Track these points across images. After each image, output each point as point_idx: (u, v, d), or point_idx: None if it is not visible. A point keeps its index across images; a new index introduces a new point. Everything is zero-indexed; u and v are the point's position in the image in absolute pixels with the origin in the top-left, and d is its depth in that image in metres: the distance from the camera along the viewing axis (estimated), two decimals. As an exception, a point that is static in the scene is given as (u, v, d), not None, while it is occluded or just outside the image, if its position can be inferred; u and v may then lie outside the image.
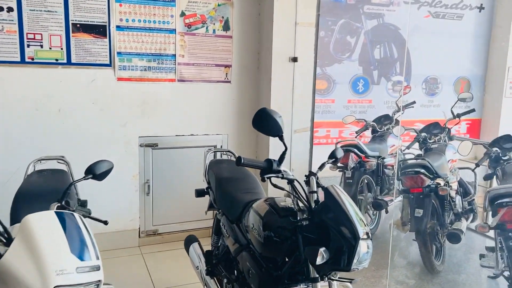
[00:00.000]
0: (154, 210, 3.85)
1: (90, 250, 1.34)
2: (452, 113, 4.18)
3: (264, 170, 1.71)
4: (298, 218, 1.76)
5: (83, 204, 2.46)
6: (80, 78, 3.46)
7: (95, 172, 1.75)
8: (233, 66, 3.93)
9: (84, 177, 1.74)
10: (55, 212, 1.38)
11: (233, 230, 2.30)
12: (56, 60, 3.37)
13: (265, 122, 1.73)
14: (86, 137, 3.51)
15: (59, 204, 1.59)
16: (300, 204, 1.79)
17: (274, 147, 3.92)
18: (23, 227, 1.30)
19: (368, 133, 4.94)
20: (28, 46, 3.27)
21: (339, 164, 4.17)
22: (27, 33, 3.25)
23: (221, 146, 3.98)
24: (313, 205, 1.79)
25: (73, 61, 3.41)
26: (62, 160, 2.55)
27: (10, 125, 3.30)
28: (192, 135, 3.86)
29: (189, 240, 2.86)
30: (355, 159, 4.04)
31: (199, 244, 2.82)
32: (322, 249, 1.56)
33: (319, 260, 1.56)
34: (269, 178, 1.72)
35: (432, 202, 3.43)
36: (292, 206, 1.87)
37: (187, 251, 2.83)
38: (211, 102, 3.90)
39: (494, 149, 3.34)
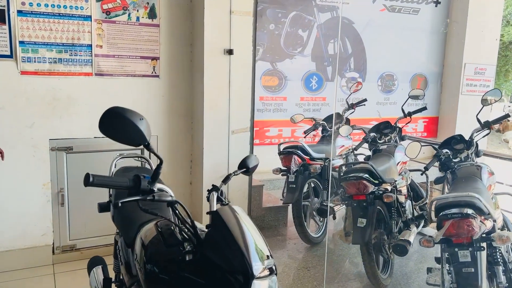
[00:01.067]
0: (71, 222, 3.38)
1: None
2: (403, 111, 3.90)
3: (131, 191, 1.30)
4: (184, 250, 1.36)
5: None
6: (-27, 71, 2.95)
7: None
8: (162, 59, 3.49)
9: None
10: None
11: (127, 256, 1.89)
12: None
13: (120, 127, 1.30)
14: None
15: None
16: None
17: (210, 148, 3.52)
18: None
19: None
20: None
21: (282, 168, 3.83)
22: None
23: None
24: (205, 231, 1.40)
25: (-37, 51, 2.90)
26: None
27: None
28: (114, 136, 3.40)
29: (93, 263, 2.42)
30: (299, 162, 3.69)
31: (104, 268, 2.38)
32: (197, 297, 1.17)
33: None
34: (136, 201, 1.30)
35: (379, 210, 3.11)
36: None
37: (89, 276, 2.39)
38: (136, 99, 3.46)
39: (444, 150, 3.04)
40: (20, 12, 3.00)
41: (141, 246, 1.53)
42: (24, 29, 3.03)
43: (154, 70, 3.47)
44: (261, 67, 5.51)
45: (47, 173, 3.24)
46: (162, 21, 3.44)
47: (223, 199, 1.62)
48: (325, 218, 3.92)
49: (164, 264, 1.43)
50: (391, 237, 3.19)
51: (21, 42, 3.03)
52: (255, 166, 1.84)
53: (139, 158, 2.54)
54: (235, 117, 3.57)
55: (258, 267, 1.25)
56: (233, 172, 1.73)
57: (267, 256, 1.31)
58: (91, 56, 3.24)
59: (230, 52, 3.44)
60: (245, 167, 1.78)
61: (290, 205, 3.86)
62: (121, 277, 2.21)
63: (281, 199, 3.95)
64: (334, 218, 3.89)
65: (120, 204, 1.22)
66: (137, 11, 3.34)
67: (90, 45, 3.23)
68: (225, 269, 1.24)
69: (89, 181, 1.21)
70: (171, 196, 1.35)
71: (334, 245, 3.75)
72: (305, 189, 3.89)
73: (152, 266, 1.46)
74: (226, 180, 1.68)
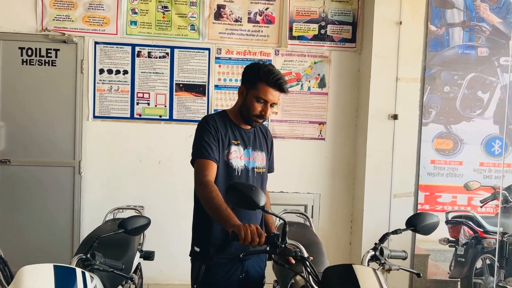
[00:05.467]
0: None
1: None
2: None
3: (273, 249, 1.51)
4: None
5: (147, 255, 2.53)
6: (179, 133, 3.70)
7: (127, 227, 1.80)
8: (328, 123, 3.78)
9: (114, 232, 1.79)
10: (55, 265, 1.42)
11: None
12: (160, 116, 3.69)
13: (238, 196, 1.52)
14: (180, 189, 3.69)
15: (83, 256, 1.65)
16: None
17: (371, 210, 3.56)
18: (17, 277, 1.36)
19: None
20: (137, 103, 3.67)
21: (449, 238, 3.58)
22: (137, 92, 3.66)
23: (312, 206, 3.78)
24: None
25: (174, 117, 3.70)
26: (138, 210, 2.70)
27: (116, 173, 3.67)
28: (282, 192, 3.76)
29: None
30: (469, 234, 3.40)
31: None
32: None
33: None
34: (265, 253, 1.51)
35: None
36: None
37: None
38: (303, 159, 3.78)
39: None
40: (216, 86, 3.70)
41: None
42: (218, 99, 3.71)
43: (320, 133, 3.77)
44: (433, 130, 5.30)
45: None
46: (331, 89, 3.76)
47: (384, 259, 1.65)
48: (503, 302, 3.45)
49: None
50: None
51: (215, 110, 3.70)
52: (433, 225, 1.72)
53: (301, 215, 2.78)
54: (398, 181, 3.56)
55: None
56: (394, 231, 1.73)
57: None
58: (268, 121, 3.73)
59: (394, 117, 3.51)
60: (413, 225, 1.72)
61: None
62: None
63: (448, 272, 3.66)
64: (515, 304, 3.40)
65: (241, 256, 1.50)
66: (309, 82, 3.74)
67: (267, 112, 3.72)
68: None
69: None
70: (296, 252, 1.52)
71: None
72: (479, 265, 3.53)
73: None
74: (394, 233, 1.71)
